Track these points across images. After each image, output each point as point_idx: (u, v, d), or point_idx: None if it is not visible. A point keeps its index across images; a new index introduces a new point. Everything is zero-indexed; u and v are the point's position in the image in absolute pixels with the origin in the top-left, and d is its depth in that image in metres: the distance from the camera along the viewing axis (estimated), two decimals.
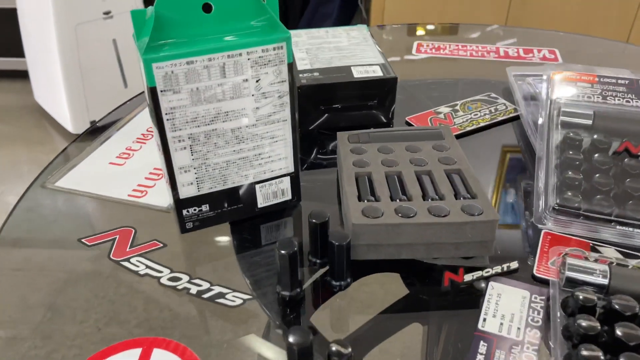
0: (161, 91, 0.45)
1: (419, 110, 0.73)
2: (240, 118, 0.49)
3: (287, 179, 0.55)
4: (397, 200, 0.49)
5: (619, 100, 0.60)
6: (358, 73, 0.68)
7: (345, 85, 0.67)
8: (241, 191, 0.53)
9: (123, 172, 0.63)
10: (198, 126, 0.48)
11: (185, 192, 0.51)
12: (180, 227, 0.53)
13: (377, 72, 0.68)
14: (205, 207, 0.52)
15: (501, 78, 0.80)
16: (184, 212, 0.52)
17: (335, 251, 0.45)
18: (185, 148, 0.48)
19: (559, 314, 0.43)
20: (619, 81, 0.61)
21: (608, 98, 0.60)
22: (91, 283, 0.48)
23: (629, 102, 0.59)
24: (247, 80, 0.47)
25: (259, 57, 0.47)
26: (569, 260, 0.45)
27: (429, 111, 0.72)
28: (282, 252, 0.43)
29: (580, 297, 0.42)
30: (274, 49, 0.47)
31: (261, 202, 0.55)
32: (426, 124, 0.69)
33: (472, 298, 0.46)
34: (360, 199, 0.50)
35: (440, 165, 0.54)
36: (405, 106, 0.74)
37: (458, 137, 0.67)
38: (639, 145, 0.54)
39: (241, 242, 0.53)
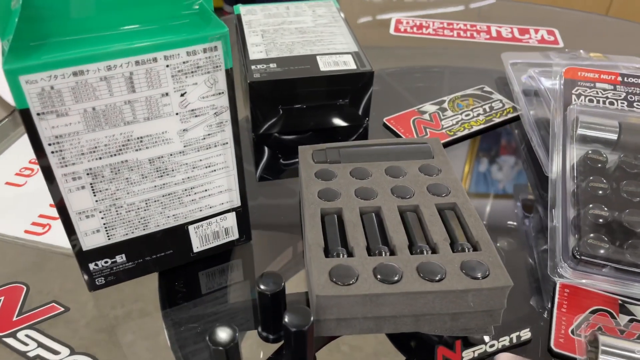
0: (38, 114, 0.31)
1: (400, 108, 0.60)
2: (160, 144, 0.35)
3: (232, 215, 0.42)
4: (377, 253, 0.37)
5: None
6: (325, 65, 0.54)
7: (310, 81, 0.53)
8: (170, 235, 0.40)
9: (22, 196, 0.48)
10: (100, 158, 0.34)
11: (90, 242, 0.37)
12: (87, 283, 0.40)
13: (350, 64, 0.54)
14: (120, 258, 0.39)
15: (495, 65, 0.67)
16: (91, 266, 0.39)
17: (293, 338, 0.32)
18: (83, 187, 0.35)
19: None
20: None
21: (635, 104, 0.48)
22: None
23: None
24: (167, 94, 0.34)
25: (183, 62, 0.33)
26: (603, 339, 0.34)
27: (411, 110, 0.59)
28: (218, 344, 0.31)
29: None
30: (205, 50, 0.33)
31: (198, 246, 0.42)
32: (409, 128, 0.57)
33: None
34: (327, 252, 0.37)
35: (430, 197, 0.42)
36: (382, 102, 0.61)
37: (447, 145, 0.55)
38: None
39: (171, 297, 0.41)
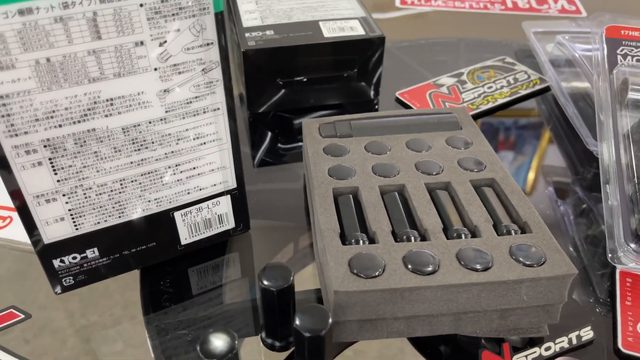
0: None
1: (413, 82, 0.53)
2: (136, 109, 0.29)
3: (226, 200, 0.35)
4: (404, 238, 0.30)
5: None
6: (330, 31, 0.47)
7: (313, 48, 0.46)
8: (152, 224, 0.33)
9: None
10: (60, 125, 0.27)
11: (53, 233, 0.30)
12: (52, 284, 0.33)
13: (357, 30, 0.48)
14: (92, 253, 0.32)
15: (514, 37, 0.61)
16: (56, 263, 0.32)
17: (307, 345, 0.26)
18: (40, 163, 0.28)
19: None
20: None
21: None
22: None
23: None
24: (142, 43, 0.27)
25: (162, 1, 0.26)
26: None
27: (427, 83, 0.53)
28: (213, 356, 0.24)
29: None
30: None
31: (186, 238, 0.35)
32: (425, 103, 0.50)
33: None
34: (344, 239, 0.31)
35: (462, 172, 0.35)
36: (393, 76, 0.55)
37: None
38: None
39: (156, 299, 0.34)
